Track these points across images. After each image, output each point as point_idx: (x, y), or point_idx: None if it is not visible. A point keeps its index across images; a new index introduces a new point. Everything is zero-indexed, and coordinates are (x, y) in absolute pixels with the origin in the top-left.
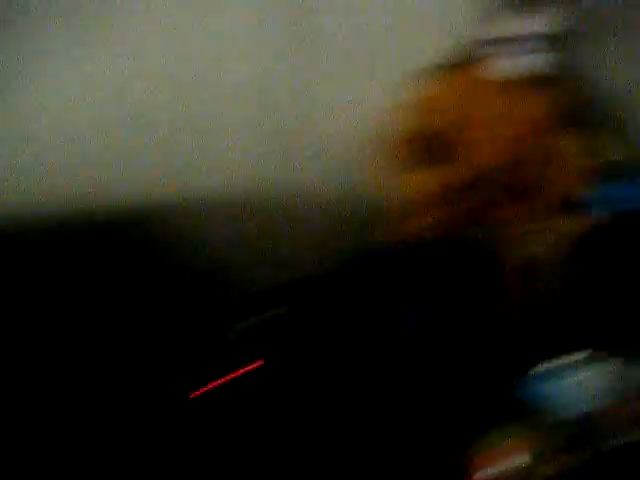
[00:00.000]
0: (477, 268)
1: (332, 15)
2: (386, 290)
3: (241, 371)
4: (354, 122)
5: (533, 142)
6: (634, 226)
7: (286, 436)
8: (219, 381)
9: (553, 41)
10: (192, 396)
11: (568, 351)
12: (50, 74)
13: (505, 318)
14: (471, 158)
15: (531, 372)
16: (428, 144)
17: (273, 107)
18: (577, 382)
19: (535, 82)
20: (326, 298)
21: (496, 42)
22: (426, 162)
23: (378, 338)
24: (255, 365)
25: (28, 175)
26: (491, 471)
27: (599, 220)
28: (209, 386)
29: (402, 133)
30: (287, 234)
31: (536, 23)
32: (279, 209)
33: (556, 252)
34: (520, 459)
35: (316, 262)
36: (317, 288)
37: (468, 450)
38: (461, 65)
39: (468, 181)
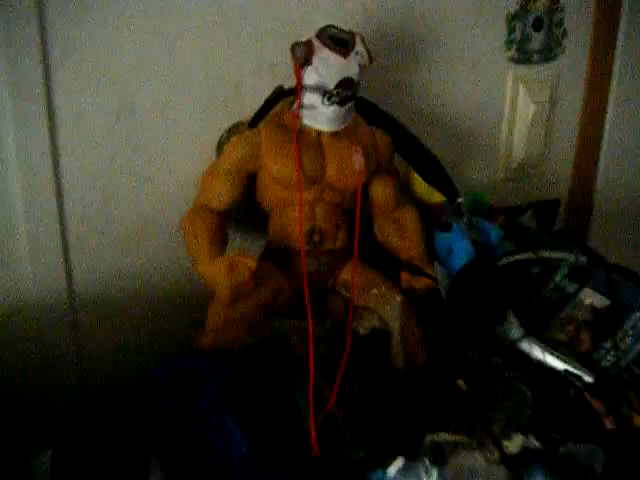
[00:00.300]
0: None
1: None
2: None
3: None
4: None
5: (352, 197)
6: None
7: None
8: None
9: (358, 87)
10: None
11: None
12: None
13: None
14: (284, 224)
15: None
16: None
17: None
18: None
19: (346, 132)
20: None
21: (301, 92)
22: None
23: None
24: None
25: None
26: None
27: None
28: None
29: (208, 204)
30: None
31: (344, 69)
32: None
33: (405, 316)
34: None
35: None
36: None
37: None
38: (266, 121)
39: (289, 249)
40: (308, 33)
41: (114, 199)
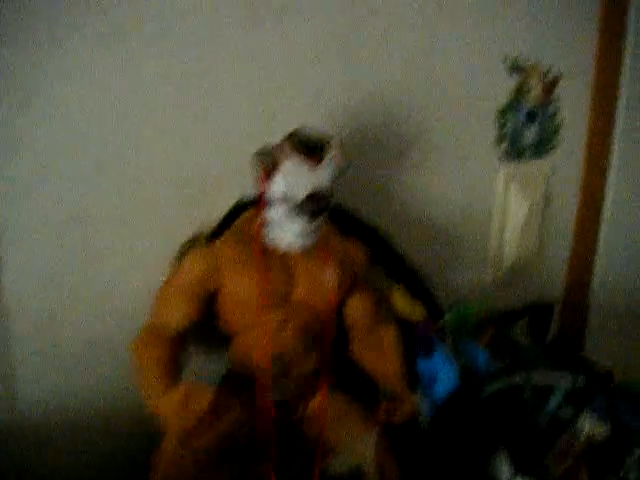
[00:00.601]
0: None
1: None
2: None
3: None
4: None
5: (324, 317)
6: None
7: None
8: None
9: (329, 200)
10: None
11: None
12: None
13: None
14: (247, 349)
15: None
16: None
17: None
18: None
19: (317, 246)
20: None
21: (266, 204)
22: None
23: None
24: None
25: None
26: None
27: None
28: None
29: (162, 326)
30: None
31: (315, 180)
32: None
33: (381, 455)
34: None
35: None
36: None
37: None
38: (226, 236)
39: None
40: (281, 134)
41: (62, 319)
